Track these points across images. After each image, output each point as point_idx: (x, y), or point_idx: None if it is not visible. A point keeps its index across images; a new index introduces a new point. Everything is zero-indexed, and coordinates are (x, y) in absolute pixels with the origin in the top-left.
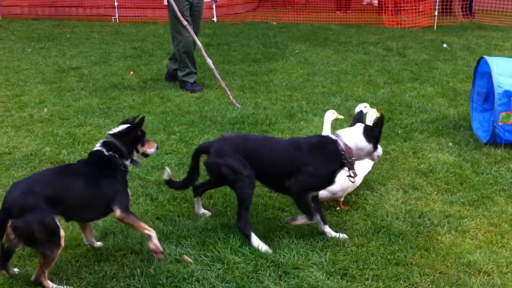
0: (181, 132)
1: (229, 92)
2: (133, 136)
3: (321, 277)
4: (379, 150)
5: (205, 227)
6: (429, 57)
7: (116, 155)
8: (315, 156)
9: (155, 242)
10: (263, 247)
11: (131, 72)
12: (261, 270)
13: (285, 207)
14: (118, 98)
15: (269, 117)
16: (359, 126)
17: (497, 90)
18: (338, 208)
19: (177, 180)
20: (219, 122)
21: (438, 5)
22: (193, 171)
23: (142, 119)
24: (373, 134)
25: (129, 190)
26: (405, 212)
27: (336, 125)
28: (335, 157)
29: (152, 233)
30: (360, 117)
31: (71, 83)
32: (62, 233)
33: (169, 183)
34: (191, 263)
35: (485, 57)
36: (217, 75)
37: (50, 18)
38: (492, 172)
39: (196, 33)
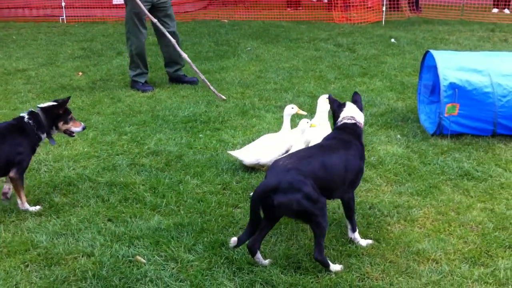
0: (133, 132)
1: (210, 85)
2: (55, 113)
3: (275, 271)
4: None
5: (158, 227)
6: (377, 52)
7: (35, 125)
8: (350, 151)
9: (22, 208)
10: (341, 267)
11: (80, 73)
12: (215, 267)
13: (238, 204)
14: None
15: (221, 114)
16: (352, 105)
17: (443, 83)
18: None
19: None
20: (171, 121)
21: (386, 1)
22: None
23: (66, 100)
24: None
25: (31, 160)
26: (356, 204)
27: (294, 118)
28: (359, 140)
29: (24, 205)
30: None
31: (18, 86)
32: None
33: (238, 243)
34: (144, 264)
35: (431, 51)
36: (195, 68)
37: None
38: (439, 162)
39: (174, 27)
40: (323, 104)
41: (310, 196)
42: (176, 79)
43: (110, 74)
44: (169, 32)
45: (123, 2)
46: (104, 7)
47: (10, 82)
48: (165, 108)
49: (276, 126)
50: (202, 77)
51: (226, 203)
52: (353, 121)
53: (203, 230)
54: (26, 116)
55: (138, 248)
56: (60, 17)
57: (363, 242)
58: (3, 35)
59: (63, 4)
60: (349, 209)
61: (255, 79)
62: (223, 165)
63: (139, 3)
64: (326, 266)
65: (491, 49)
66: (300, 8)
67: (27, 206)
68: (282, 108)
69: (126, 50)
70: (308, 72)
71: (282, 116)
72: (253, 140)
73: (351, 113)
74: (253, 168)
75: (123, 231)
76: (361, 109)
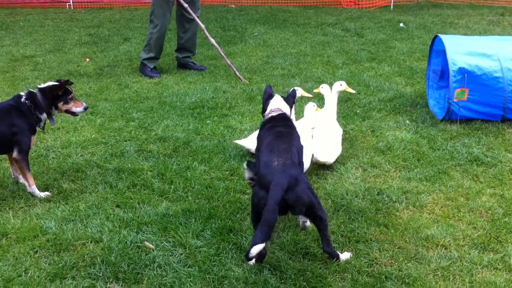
0: (140, 119)
1: (234, 68)
2: (54, 94)
3: (283, 257)
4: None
5: (166, 213)
6: (386, 37)
7: (32, 105)
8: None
9: (30, 190)
10: (350, 254)
11: (87, 59)
12: (223, 253)
13: (246, 190)
14: (74, 86)
15: (229, 100)
16: (279, 98)
17: (452, 68)
18: None
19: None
20: (178, 107)
21: None
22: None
23: (66, 81)
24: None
25: (33, 140)
26: (364, 190)
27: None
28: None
29: (32, 188)
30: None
31: (25, 72)
32: None
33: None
34: (152, 250)
35: (440, 35)
36: (221, 52)
37: (3, 6)
38: (448, 148)
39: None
40: (335, 91)
41: (311, 187)
42: (184, 65)
43: (117, 60)
44: (190, 19)
45: None
46: None
47: (18, 69)
48: (172, 94)
49: None
50: (228, 62)
51: (233, 189)
52: (280, 112)
53: (211, 216)
54: (24, 96)
55: (146, 234)
56: (67, 3)
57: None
58: (10, 22)
59: None
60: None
61: (262, 64)
62: (231, 151)
63: None
64: (336, 257)
65: (501, 34)
66: None
67: (35, 189)
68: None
69: (135, 36)
70: (316, 58)
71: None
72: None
73: (277, 105)
74: None
75: (131, 217)
76: (290, 103)
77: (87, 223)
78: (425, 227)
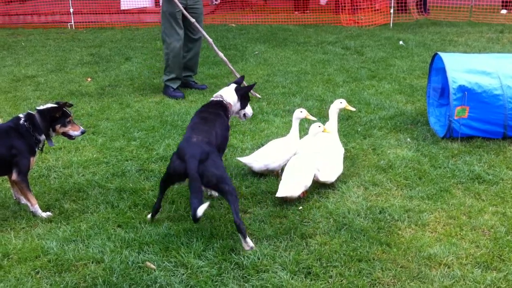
0: (141, 138)
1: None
2: (52, 116)
3: (285, 277)
4: (248, 109)
5: (167, 232)
6: (386, 55)
7: (31, 127)
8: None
9: (32, 210)
10: (252, 245)
11: (89, 79)
12: (225, 273)
13: (248, 209)
14: (75, 106)
15: (230, 119)
16: (229, 87)
17: (452, 85)
18: (300, 208)
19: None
20: (180, 126)
21: (394, 3)
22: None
23: (64, 104)
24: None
25: (33, 161)
26: (366, 209)
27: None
28: (225, 113)
29: (34, 207)
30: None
31: (27, 92)
32: None
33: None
34: (154, 270)
35: (439, 53)
36: (231, 67)
37: (4, 26)
38: (450, 166)
39: (199, 37)
40: (335, 108)
41: (221, 164)
42: (185, 85)
43: (118, 79)
44: (194, 39)
45: (131, 8)
46: (112, 13)
47: (19, 89)
48: (174, 113)
49: (285, 130)
50: (237, 74)
51: None
52: (219, 99)
53: (213, 236)
54: (22, 118)
55: (148, 254)
56: (69, 23)
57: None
58: (12, 42)
59: (71, 10)
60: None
61: (263, 83)
62: (232, 170)
63: (176, 1)
64: (242, 234)
65: (500, 51)
66: (308, 11)
67: (37, 208)
68: (290, 112)
69: (136, 55)
70: (317, 76)
71: (291, 120)
72: (262, 145)
73: (221, 92)
74: (262, 174)
75: (133, 237)
76: (238, 91)
77: (88, 243)
78: (428, 246)
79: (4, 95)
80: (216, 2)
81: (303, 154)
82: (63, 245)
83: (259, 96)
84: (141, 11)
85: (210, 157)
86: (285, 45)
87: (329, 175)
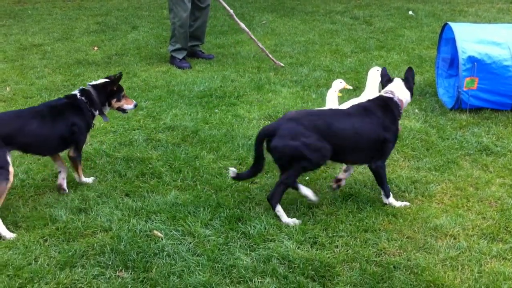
0: (148, 108)
1: (268, 53)
2: (108, 90)
3: (291, 246)
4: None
5: (174, 201)
6: (395, 25)
7: (87, 102)
8: (366, 119)
9: (80, 180)
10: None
11: (95, 48)
12: (232, 242)
13: (255, 179)
14: (82, 75)
15: (237, 89)
16: (399, 81)
17: (461, 56)
18: (307, 178)
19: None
20: (186, 96)
21: None
22: (259, 158)
23: (119, 77)
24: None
25: (88, 136)
26: (373, 180)
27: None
28: (397, 114)
29: (81, 179)
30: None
31: (34, 61)
32: (11, 169)
33: (237, 177)
34: (161, 238)
35: (449, 23)
36: (252, 37)
37: None
38: (457, 137)
39: (207, 5)
40: (373, 76)
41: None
42: (192, 54)
43: (125, 48)
44: (202, 7)
45: None
46: None
47: (26, 57)
48: (181, 83)
49: (292, 100)
50: (260, 45)
51: None
52: (390, 96)
53: (220, 205)
54: (79, 94)
55: (155, 223)
56: None
57: (398, 204)
58: (18, 10)
59: None
60: (378, 177)
61: (270, 53)
62: (239, 140)
63: None
64: (273, 209)
65: (511, 22)
66: None
67: (84, 179)
68: (297, 83)
69: (142, 24)
70: (324, 46)
71: (298, 91)
72: (269, 115)
73: (392, 88)
74: None
75: (140, 206)
76: (409, 87)
77: (96, 212)
78: (434, 217)
79: (11, 64)
80: None
81: None
82: (71, 213)
83: (281, 64)
84: None
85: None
86: (293, 14)
87: None
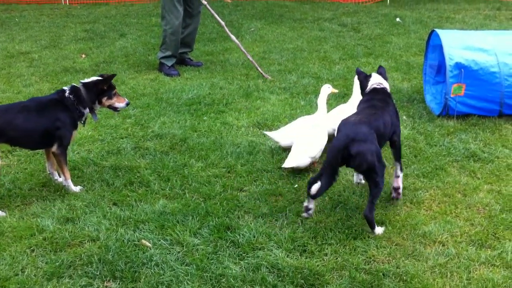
0: (137, 116)
1: (257, 66)
2: (99, 88)
3: (280, 254)
4: None
5: (163, 210)
6: (382, 32)
7: (75, 100)
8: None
9: (65, 184)
10: (383, 230)
11: (83, 55)
12: (220, 251)
13: (243, 187)
14: (70, 82)
15: (225, 97)
16: (378, 75)
17: (449, 63)
18: (295, 185)
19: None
20: (175, 103)
21: None
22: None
23: (111, 76)
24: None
25: (74, 135)
26: (361, 187)
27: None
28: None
29: (67, 182)
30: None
31: (21, 69)
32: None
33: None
34: (150, 248)
35: (436, 30)
36: (243, 49)
37: None
38: (445, 144)
39: (198, 13)
40: (325, 92)
41: (378, 151)
42: (181, 61)
43: (113, 56)
44: (193, 15)
45: None
46: None
47: (13, 65)
48: (169, 90)
49: (280, 107)
50: (250, 58)
51: (231, 186)
52: (382, 86)
53: (208, 214)
54: (67, 91)
55: (144, 232)
56: None
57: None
58: (5, 18)
59: None
60: (399, 151)
61: (259, 60)
62: (228, 148)
63: None
64: (372, 226)
65: (497, 28)
66: None
67: (70, 183)
68: (286, 90)
69: (131, 32)
70: (313, 53)
71: (287, 98)
72: (258, 122)
73: (378, 80)
74: (258, 152)
75: (128, 215)
76: (386, 79)
77: (84, 221)
78: (423, 223)
79: None
80: None
81: (313, 125)
82: (58, 223)
83: (269, 77)
84: None
85: (365, 139)
86: (281, 21)
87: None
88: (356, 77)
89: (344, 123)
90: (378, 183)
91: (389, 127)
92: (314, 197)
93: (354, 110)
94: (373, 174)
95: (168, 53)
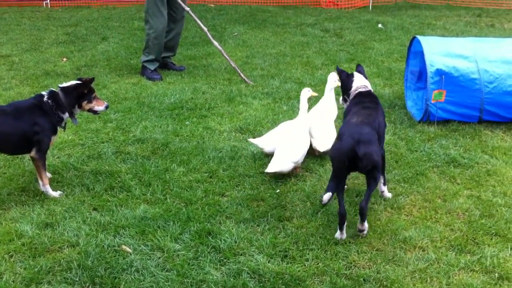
0: (118, 120)
1: (240, 71)
2: (79, 92)
3: (261, 260)
4: None
5: (144, 216)
6: (365, 38)
7: (54, 105)
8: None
9: (44, 189)
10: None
11: (64, 59)
12: (201, 257)
13: (225, 192)
14: (50, 86)
15: (208, 101)
16: (360, 74)
17: (429, 69)
18: (277, 190)
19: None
20: (157, 108)
21: None
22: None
23: (91, 79)
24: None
25: (53, 140)
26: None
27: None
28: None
29: (45, 187)
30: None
31: (1, 72)
32: None
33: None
34: (130, 253)
35: (418, 36)
36: (225, 55)
37: None
38: (426, 149)
39: (182, 17)
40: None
41: (381, 151)
42: (164, 66)
43: (95, 60)
44: (177, 19)
45: None
46: None
47: None
48: (151, 94)
49: (263, 113)
50: (233, 64)
51: (212, 192)
52: (368, 89)
53: (190, 219)
54: (46, 96)
55: (124, 237)
56: (44, 1)
57: (389, 195)
58: None
59: None
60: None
61: (242, 65)
62: (210, 153)
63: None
64: (364, 218)
65: (478, 34)
66: None
67: (48, 188)
68: (269, 95)
69: (113, 35)
70: (295, 58)
71: (270, 103)
72: (240, 127)
73: (362, 82)
74: (240, 157)
75: (109, 220)
76: (366, 78)
77: (63, 226)
78: (403, 229)
79: None
80: None
81: (294, 130)
82: (37, 228)
83: (252, 83)
84: None
85: (370, 140)
86: (264, 26)
87: (325, 144)
88: (329, 76)
89: (346, 125)
90: (377, 178)
91: (383, 128)
92: (325, 204)
93: (327, 112)
94: (375, 172)
95: (151, 57)
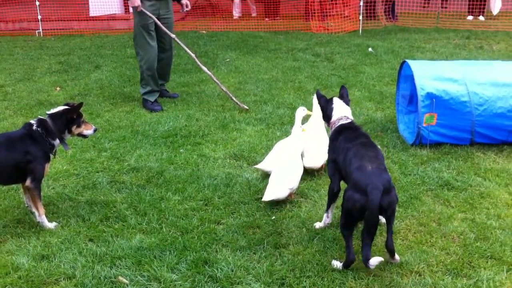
0: (112, 149)
1: (232, 96)
2: (68, 118)
3: None
4: None
5: (140, 246)
6: (355, 62)
7: (44, 132)
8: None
9: (39, 220)
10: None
11: (58, 88)
12: (198, 286)
13: (221, 220)
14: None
15: (202, 128)
16: (339, 101)
17: (420, 93)
18: (273, 217)
19: None
20: (151, 136)
21: (362, 10)
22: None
23: (80, 104)
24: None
25: (47, 168)
26: (338, 218)
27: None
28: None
29: (41, 218)
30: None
31: None
32: None
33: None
34: (127, 285)
35: (407, 60)
36: (216, 80)
37: None
38: (419, 173)
39: (170, 47)
40: (300, 115)
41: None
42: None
43: (88, 88)
44: (166, 49)
45: (100, 14)
46: (81, 20)
47: None
48: (145, 122)
49: (257, 139)
50: (225, 89)
51: (208, 220)
52: (349, 121)
53: (186, 248)
54: (35, 124)
55: (120, 268)
56: (37, 30)
57: None
58: None
59: (39, 17)
60: None
61: (234, 91)
62: (205, 180)
63: (148, 13)
64: (393, 254)
65: (467, 57)
66: (278, 18)
67: (44, 218)
68: (262, 121)
69: (106, 63)
70: (288, 83)
71: (263, 129)
72: (234, 154)
73: (343, 113)
74: (235, 184)
75: (105, 251)
76: (347, 103)
77: (59, 258)
78: (399, 253)
79: None
80: (187, 9)
81: (288, 156)
82: (33, 260)
83: (247, 108)
84: (111, 17)
85: (392, 187)
86: (256, 52)
87: (315, 160)
88: (314, 96)
89: (362, 174)
90: (395, 213)
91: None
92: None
93: (318, 129)
94: (393, 216)
95: (149, 88)
